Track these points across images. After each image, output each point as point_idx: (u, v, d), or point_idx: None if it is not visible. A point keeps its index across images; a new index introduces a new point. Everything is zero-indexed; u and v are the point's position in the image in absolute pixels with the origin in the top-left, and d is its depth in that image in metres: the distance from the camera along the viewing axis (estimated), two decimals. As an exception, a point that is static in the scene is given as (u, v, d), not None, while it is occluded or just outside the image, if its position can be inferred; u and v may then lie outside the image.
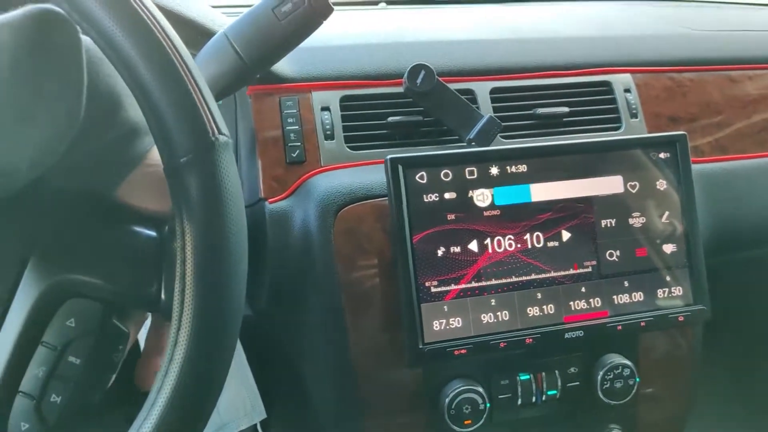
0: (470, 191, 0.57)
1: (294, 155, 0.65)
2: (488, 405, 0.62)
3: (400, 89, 0.69)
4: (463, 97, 0.68)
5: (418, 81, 0.65)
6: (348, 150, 0.66)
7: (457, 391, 0.61)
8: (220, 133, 0.37)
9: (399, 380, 0.62)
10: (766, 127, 0.79)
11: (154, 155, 0.39)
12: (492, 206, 0.57)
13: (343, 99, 0.68)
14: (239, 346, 0.72)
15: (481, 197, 0.57)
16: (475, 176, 0.57)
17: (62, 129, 0.34)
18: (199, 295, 0.36)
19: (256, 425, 0.72)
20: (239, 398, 0.68)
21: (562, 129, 0.72)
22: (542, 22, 0.88)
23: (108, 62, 0.36)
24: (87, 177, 0.38)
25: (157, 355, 0.43)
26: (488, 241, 0.57)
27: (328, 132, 0.66)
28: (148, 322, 0.45)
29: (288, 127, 0.66)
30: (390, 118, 0.68)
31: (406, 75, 0.66)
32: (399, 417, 0.63)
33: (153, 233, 0.40)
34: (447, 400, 0.61)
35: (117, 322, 0.42)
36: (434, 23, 0.87)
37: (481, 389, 0.61)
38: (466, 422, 0.61)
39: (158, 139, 0.36)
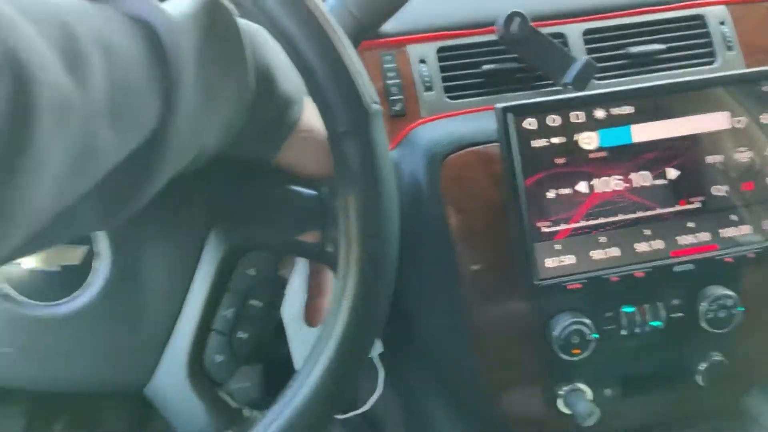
0: (576, 135, 0.59)
1: (396, 108, 0.68)
2: (595, 335, 0.65)
3: (493, 37, 0.70)
4: (555, 41, 0.69)
5: (513, 28, 0.67)
6: (447, 100, 0.69)
7: (567, 322, 0.64)
8: (373, 102, 0.41)
9: (509, 315, 0.66)
10: None
11: (305, 122, 0.43)
12: (598, 148, 0.59)
13: (440, 50, 0.70)
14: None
15: (588, 140, 0.59)
16: (581, 120, 0.59)
17: (239, 104, 0.38)
18: (362, 248, 0.41)
19: (373, 359, 0.78)
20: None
21: (656, 67, 0.72)
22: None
23: (259, 40, 0.40)
24: (251, 146, 0.42)
25: (320, 296, 0.48)
26: (595, 181, 0.59)
27: (427, 83, 0.69)
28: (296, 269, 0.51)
29: (389, 81, 0.68)
30: (484, 66, 0.70)
31: (501, 22, 0.67)
32: (509, 349, 0.67)
33: (313, 192, 0.44)
34: (557, 331, 0.64)
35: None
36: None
37: (588, 321, 0.65)
38: (574, 351, 0.65)
39: (322, 111, 0.40)
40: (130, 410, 0.84)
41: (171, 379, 0.45)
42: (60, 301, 0.43)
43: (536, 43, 0.68)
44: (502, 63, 0.70)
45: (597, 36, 0.71)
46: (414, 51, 0.69)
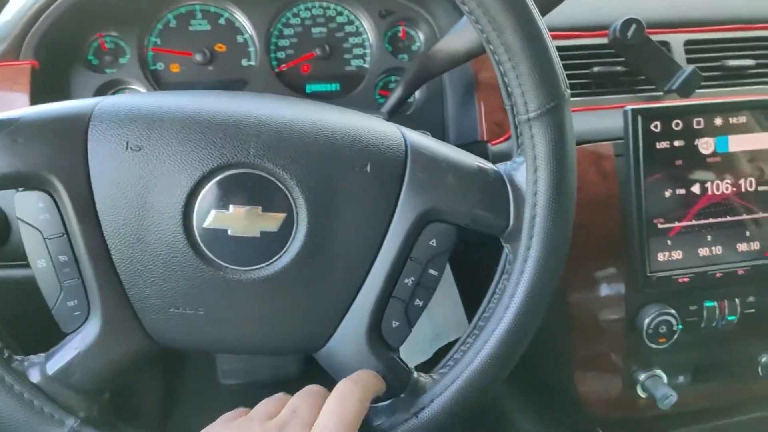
0: (696, 140, 0.63)
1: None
2: (680, 327, 0.71)
3: (602, 40, 0.74)
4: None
5: (629, 34, 0.71)
6: (558, 97, 0.73)
7: (656, 313, 0.69)
8: (567, 87, 0.45)
9: (604, 303, 0.71)
10: None
11: None
12: (714, 153, 0.64)
13: (554, 49, 0.73)
14: (449, 270, 0.81)
15: (705, 145, 0.64)
16: (702, 126, 0.63)
17: None
18: (547, 225, 0.45)
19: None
20: (450, 313, 0.77)
21: (747, 81, 0.77)
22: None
23: None
24: None
25: None
26: (709, 184, 0.64)
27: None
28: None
29: (506, 75, 0.72)
30: (595, 68, 0.74)
31: (617, 27, 0.71)
32: (601, 334, 0.72)
33: (497, 169, 0.48)
34: (647, 320, 0.69)
35: None
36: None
37: (674, 312, 0.70)
38: (660, 340, 0.70)
39: (517, 93, 0.44)
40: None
41: (350, 342, 0.47)
42: (258, 266, 0.45)
43: (646, 50, 0.72)
44: (610, 66, 0.74)
45: (697, 47, 0.76)
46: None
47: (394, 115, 0.70)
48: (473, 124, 0.74)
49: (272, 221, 0.44)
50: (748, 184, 0.65)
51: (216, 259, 0.44)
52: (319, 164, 0.44)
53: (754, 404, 0.83)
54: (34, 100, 0.65)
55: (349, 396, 0.43)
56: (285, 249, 0.45)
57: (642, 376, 0.73)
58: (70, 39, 0.71)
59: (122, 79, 0.74)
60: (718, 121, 0.64)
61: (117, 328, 0.44)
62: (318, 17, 0.78)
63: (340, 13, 0.79)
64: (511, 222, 0.47)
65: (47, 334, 0.46)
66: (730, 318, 0.73)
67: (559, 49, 0.73)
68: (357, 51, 0.80)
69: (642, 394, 0.74)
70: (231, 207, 0.43)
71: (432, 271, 0.47)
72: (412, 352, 0.78)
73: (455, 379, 0.47)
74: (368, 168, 0.45)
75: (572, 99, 0.73)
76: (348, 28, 0.79)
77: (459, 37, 0.63)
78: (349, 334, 0.47)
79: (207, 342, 0.47)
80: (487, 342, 0.46)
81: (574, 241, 0.71)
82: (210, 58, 0.75)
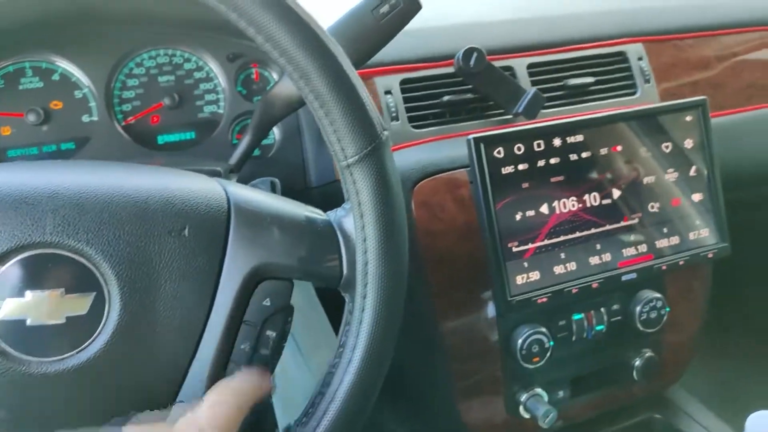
0: (539, 161, 0.65)
1: (366, 137, 0.71)
2: (552, 343, 0.72)
3: (451, 69, 0.76)
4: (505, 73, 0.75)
5: (471, 62, 0.73)
6: (411, 129, 0.73)
7: (527, 333, 0.70)
8: (383, 129, 0.44)
9: (477, 329, 0.72)
10: (752, 84, 0.91)
11: None
12: (557, 173, 0.66)
13: (403, 82, 0.74)
14: (321, 309, 0.79)
15: (547, 166, 0.66)
16: (542, 148, 0.65)
17: None
18: (381, 268, 0.44)
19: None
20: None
21: (588, 98, 0.81)
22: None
23: None
24: None
25: None
26: (556, 203, 0.66)
27: (393, 114, 0.73)
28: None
29: (358, 112, 0.72)
30: (445, 98, 0.75)
31: (460, 57, 0.73)
32: (478, 360, 0.73)
33: (326, 218, 0.47)
34: (519, 341, 0.70)
35: None
36: (465, 4, 0.93)
37: (544, 329, 0.71)
38: (534, 359, 0.71)
39: (333, 140, 0.43)
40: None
41: None
42: (66, 355, 0.41)
43: (491, 76, 0.74)
44: (459, 94, 0.75)
45: (539, 69, 0.79)
46: (380, 83, 0.73)
47: (245, 162, 0.68)
48: (330, 163, 0.73)
49: (79, 303, 0.40)
50: (591, 199, 0.67)
51: (14, 353, 0.40)
52: (130, 234, 0.41)
53: (638, 407, 0.86)
54: None
55: (220, 402, 0.41)
56: (98, 332, 0.41)
57: (523, 397, 0.74)
58: None
59: None
60: (557, 142, 0.66)
61: None
62: (164, 65, 0.75)
63: (188, 60, 0.76)
64: (345, 271, 0.46)
65: None
66: (598, 328, 0.75)
67: (410, 81, 0.75)
68: (209, 97, 0.77)
69: (525, 415, 0.75)
70: (28, 293, 0.39)
71: (270, 332, 0.45)
72: (297, 402, 0.76)
73: None
74: (186, 231, 0.42)
75: (426, 129, 0.74)
76: (197, 74, 0.77)
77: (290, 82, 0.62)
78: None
79: None
80: (333, 397, 0.45)
81: (441, 270, 0.72)
82: (45, 118, 0.70)
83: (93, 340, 0.41)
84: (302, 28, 0.42)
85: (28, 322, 0.40)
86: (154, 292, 0.42)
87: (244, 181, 0.66)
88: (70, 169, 0.45)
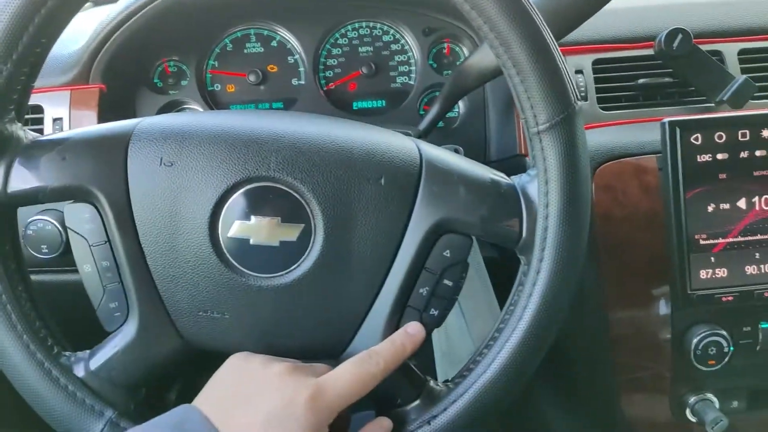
0: (741, 152, 0.61)
1: (551, 115, 0.71)
2: (732, 348, 0.67)
3: (648, 52, 0.72)
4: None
5: (675, 44, 0.69)
6: (600, 110, 0.72)
7: (703, 334, 0.66)
8: (577, 100, 0.45)
9: (647, 323, 0.69)
10: None
11: None
12: (762, 167, 0.61)
13: (596, 62, 0.73)
14: (486, 275, 0.81)
15: (752, 158, 0.61)
16: (747, 138, 0.61)
17: None
18: (561, 231, 0.45)
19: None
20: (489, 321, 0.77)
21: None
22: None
23: None
24: None
25: None
26: (756, 199, 0.61)
27: (582, 93, 0.72)
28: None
29: (546, 89, 0.72)
30: (640, 80, 0.72)
31: (662, 38, 0.69)
32: (645, 355, 0.70)
33: (511, 181, 0.48)
34: (695, 341, 0.67)
35: None
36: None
37: (725, 333, 0.67)
38: (710, 362, 0.67)
39: (527, 106, 0.44)
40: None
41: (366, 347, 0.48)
42: (277, 274, 0.47)
43: (695, 60, 0.70)
44: (657, 77, 0.72)
45: (752, 56, 0.73)
46: (571, 61, 0.72)
47: (431, 131, 0.71)
48: (513, 137, 0.74)
49: (291, 231, 0.47)
50: (800, 200, 0.62)
51: (239, 267, 0.47)
52: (335, 177, 0.46)
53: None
54: (102, 119, 0.71)
55: (366, 361, 0.45)
56: (303, 258, 0.47)
57: (692, 400, 0.70)
58: (136, 64, 0.78)
59: (183, 100, 0.80)
60: (766, 134, 0.61)
61: (152, 328, 0.48)
62: (365, 37, 0.81)
63: (386, 32, 0.81)
64: (524, 234, 0.47)
65: (94, 334, 0.50)
66: (788, 340, 0.69)
67: (604, 61, 0.74)
68: (402, 68, 0.82)
69: (692, 418, 0.71)
70: (253, 218, 0.46)
71: (447, 282, 0.48)
72: (454, 363, 0.79)
73: (468, 389, 0.47)
74: (383, 180, 0.47)
75: (618, 111, 0.72)
76: (393, 47, 0.82)
77: (487, 53, 0.63)
78: (366, 341, 0.48)
79: (233, 344, 0.49)
80: (499, 353, 0.47)
81: (616, 257, 0.70)
82: (262, 79, 0.79)
83: (300, 264, 0.47)
84: None
85: (251, 241, 0.47)
86: (351, 230, 0.47)
87: (431, 148, 0.70)
88: (290, 118, 0.51)
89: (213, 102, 0.80)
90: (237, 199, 0.46)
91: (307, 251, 0.47)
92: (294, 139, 0.47)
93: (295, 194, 0.47)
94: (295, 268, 0.47)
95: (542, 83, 0.44)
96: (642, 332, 0.70)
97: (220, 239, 0.47)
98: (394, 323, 0.48)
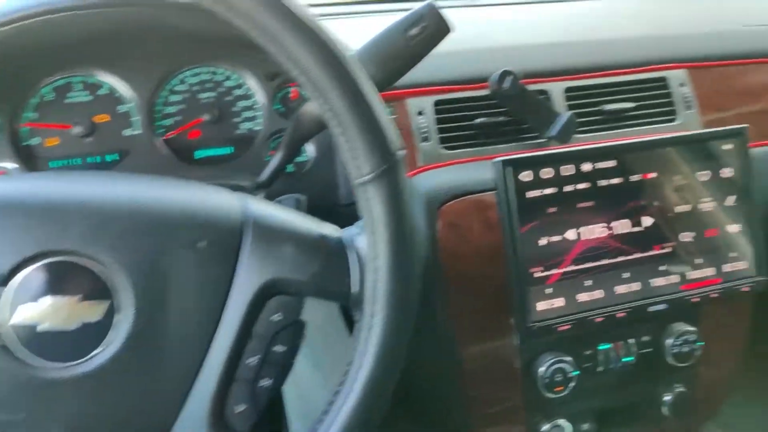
0: (566, 186, 0.65)
1: (395, 157, 0.72)
2: (576, 372, 0.70)
3: (485, 92, 0.76)
4: (540, 97, 0.75)
5: (505, 85, 0.73)
6: (442, 150, 0.74)
7: (550, 361, 0.69)
8: (399, 149, 0.45)
9: (498, 355, 0.71)
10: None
11: None
12: (585, 199, 0.65)
13: (437, 103, 0.75)
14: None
15: (576, 191, 0.65)
16: (571, 173, 0.65)
17: None
18: (391, 284, 0.44)
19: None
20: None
21: (626, 123, 0.79)
22: (598, 19, 0.95)
23: None
24: None
25: None
26: (583, 229, 0.65)
27: (425, 134, 0.73)
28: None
29: (388, 132, 0.73)
30: (478, 120, 0.75)
31: (494, 79, 0.73)
32: (498, 387, 0.72)
33: (337, 236, 0.47)
34: (542, 369, 0.69)
35: None
36: (500, 26, 0.94)
37: (569, 358, 0.70)
38: (557, 389, 0.70)
39: (350, 157, 0.44)
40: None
41: (191, 430, 0.45)
42: (80, 360, 0.42)
43: (525, 99, 0.74)
44: (493, 116, 0.75)
45: (576, 94, 0.78)
46: (413, 103, 0.74)
47: (277, 178, 0.69)
48: (360, 181, 0.74)
49: (93, 310, 0.42)
50: (621, 227, 0.66)
51: (26, 358, 0.41)
52: (147, 245, 0.43)
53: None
54: None
55: None
56: (109, 340, 0.42)
57: (545, 428, 0.73)
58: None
59: None
60: (587, 167, 0.65)
61: None
62: (206, 82, 0.78)
63: (228, 78, 0.79)
64: (356, 289, 0.46)
65: None
66: (626, 359, 0.74)
67: (444, 102, 0.76)
68: (247, 114, 0.80)
69: (547, 446, 0.73)
70: (46, 298, 0.41)
71: (280, 347, 0.46)
72: (310, 417, 0.76)
73: None
74: (201, 244, 0.44)
75: (458, 150, 0.74)
76: (237, 92, 0.79)
77: None
78: (191, 423, 0.45)
79: None
80: (336, 417, 0.45)
81: (465, 292, 0.71)
82: (90, 130, 0.74)
83: (106, 347, 0.42)
84: (321, 47, 0.43)
85: (39, 328, 0.41)
86: (166, 303, 0.43)
87: (275, 196, 0.68)
88: (102, 180, 0.47)
89: (29, 158, 0.73)
90: (25, 279, 0.41)
91: (114, 332, 0.42)
92: (101, 203, 0.43)
93: (99, 267, 0.42)
94: (98, 353, 0.42)
95: (362, 135, 0.43)
96: (493, 364, 0.72)
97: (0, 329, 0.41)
98: (221, 399, 0.45)
